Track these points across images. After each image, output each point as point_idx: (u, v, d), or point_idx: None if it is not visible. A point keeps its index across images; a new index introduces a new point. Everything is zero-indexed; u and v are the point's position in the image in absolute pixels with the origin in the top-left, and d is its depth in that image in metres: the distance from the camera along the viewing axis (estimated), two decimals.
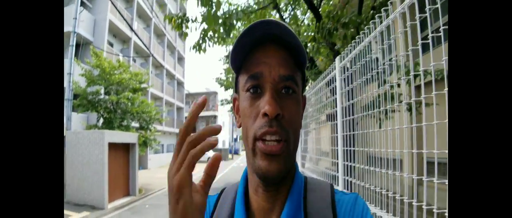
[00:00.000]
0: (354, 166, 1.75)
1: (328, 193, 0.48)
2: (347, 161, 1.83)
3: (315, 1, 4.81)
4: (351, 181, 1.78)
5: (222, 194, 0.55)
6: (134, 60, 16.47)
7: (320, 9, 4.63)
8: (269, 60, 0.43)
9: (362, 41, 1.55)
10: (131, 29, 10.63)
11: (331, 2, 5.43)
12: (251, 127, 0.43)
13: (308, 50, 4.03)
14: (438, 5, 0.93)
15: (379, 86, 1.36)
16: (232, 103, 0.52)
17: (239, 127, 0.49)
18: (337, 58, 2.06)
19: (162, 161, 18.57)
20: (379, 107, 1.40)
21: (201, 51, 3.63)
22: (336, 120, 2.03)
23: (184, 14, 3.68)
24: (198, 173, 0.36)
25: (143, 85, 9.66)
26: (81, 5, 12.64)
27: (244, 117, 0.45)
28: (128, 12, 15.85)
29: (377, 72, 1.38)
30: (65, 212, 6.47)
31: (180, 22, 3.66)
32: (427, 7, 0.99)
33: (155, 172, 14.66)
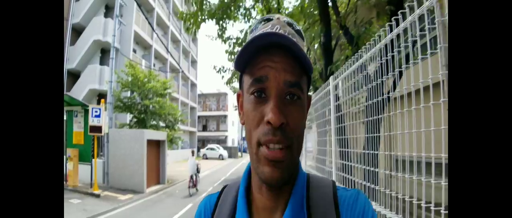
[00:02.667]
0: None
1: (330, 189, 0.49)
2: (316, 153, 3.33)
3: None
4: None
5: (223, 192, 0.55)
6: (154, 65, 18.24)
7: None
8: (274, 64, 0.43)
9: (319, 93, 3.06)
10: (167, 50, 12.25)
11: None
12: (254, 131, 0.44)
13: None
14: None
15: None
16: (236, 100, 0.52)
17: (243, 124, 0.49)
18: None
19: (177, 157, 20.32)
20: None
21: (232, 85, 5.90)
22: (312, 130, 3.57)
23: (223, 67, 6.64)
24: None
25: (168, 91, 11.38)
26: (109, 17, 14.60)
27: (248, 119, 0.45)
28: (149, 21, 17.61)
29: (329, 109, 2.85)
30: (113, 194, 8.16)
31: (218, 70, 6.65)
32: (338, 90, 2.47)
33: (173, 166, 16.37)
